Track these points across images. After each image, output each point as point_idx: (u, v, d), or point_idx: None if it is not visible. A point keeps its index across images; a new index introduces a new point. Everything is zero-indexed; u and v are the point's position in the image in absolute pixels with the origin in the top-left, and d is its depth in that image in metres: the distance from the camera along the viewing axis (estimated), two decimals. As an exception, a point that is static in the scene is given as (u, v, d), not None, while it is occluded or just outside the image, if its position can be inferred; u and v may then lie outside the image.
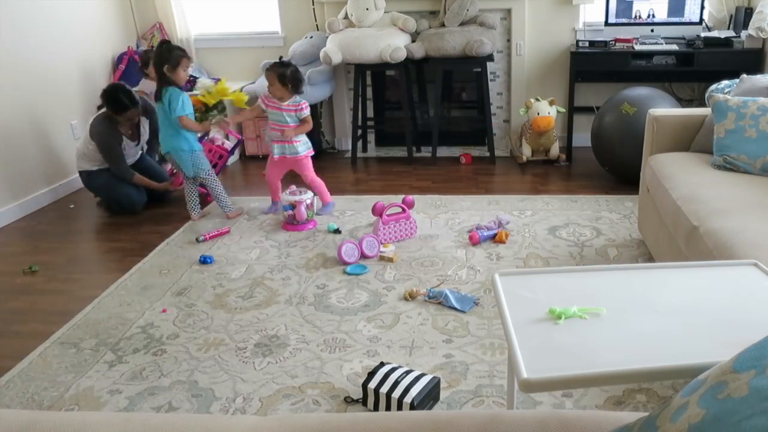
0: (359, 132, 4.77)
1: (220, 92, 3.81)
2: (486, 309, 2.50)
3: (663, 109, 2.98)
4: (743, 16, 4.09)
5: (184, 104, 3.37)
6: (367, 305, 2.58)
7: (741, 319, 1.20)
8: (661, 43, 4.14)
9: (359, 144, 4.80)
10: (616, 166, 3.91)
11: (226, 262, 3.05)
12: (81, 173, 3.87)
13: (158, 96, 3.39)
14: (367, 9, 4.39)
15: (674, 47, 4.08)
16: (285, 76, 3.42)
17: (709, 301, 1.27)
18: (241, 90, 3.97)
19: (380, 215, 3.17)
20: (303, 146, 3.57)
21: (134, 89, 3.89)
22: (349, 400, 1.98)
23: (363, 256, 2.98)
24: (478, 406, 1.94)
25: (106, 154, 3.72)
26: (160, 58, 3.33)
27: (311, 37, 4.71)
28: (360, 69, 4.49)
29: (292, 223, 3.39)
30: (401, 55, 4.28)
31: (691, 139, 2.81)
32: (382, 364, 2.00)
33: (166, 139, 3.49)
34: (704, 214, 2.09)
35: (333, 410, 1.95)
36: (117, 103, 3.66)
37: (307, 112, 3.53)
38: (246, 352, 2.29)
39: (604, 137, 3.86)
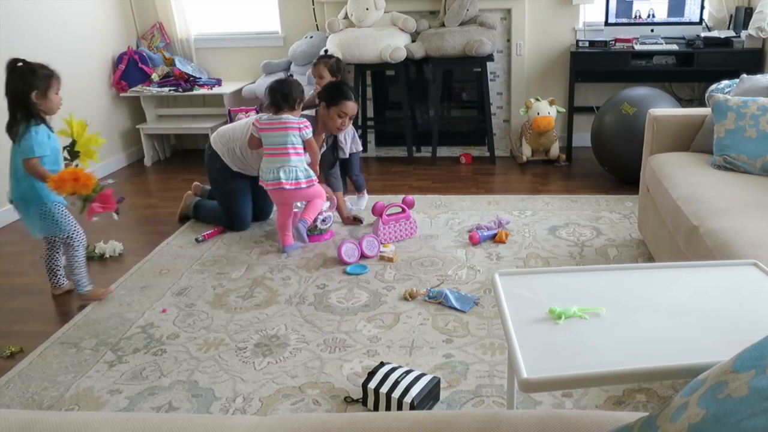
0: (359, 132, 4.76)
1: (77, 129, 2.68)
2: (486, 309, 2.50)
3: (663, 109, 2.98)
4: (743, 16, 4.09)
5: (37, 142, 2.50)
6: (367, 305, 2.58)
7: (741, 319, 1.20)
8: (661, 43, 4.14)
9: (359, 144, 4.80)
10: (616, 166, 3.91)
11: (226, 262, 3.05)
12: (211, 152, 3.36)
13: (10, 129, 2.56)
14: (367, 9, 4.40)
15: (674, 47, 4.08)
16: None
17: (709, 301, 1.27)
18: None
19: (380, 215, 3.17)
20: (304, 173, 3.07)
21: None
22: (349, 400, 1.98)
23: (363, 256, 2.98)
24: (478, 406, 1.94)
25: None
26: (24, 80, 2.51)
27: (311, 37, 4.72)
28: (360, 69, 4.49)
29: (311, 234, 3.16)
30: (401, 55, 4.28)
31: (691, 139, 2.81)
32: (382, 364, 2.00)
33: (14, 183, 2.61)
34: (704, 214, 2.09)
35: (333, 410, 1.95)
36: (342, 90, 3.17)
37: (309, 132, 3.06)
38: (246, 352, 2.28)
39: (604, 137, 3.86)
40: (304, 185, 3.00)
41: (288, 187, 2.93)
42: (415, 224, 3.26)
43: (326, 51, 3.69)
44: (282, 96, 3.00)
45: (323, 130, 3.28)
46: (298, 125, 2.98)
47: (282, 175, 2.93)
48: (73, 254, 2.70)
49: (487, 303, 2.54)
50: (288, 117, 2.98)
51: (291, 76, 3.71)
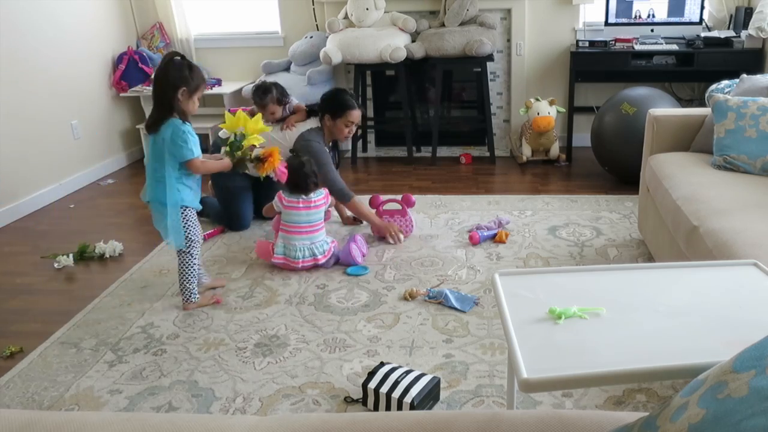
0: (359, 132, 4.77)
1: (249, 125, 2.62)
2: (486, 309, 2.50)
3: (663, 109, 2.98)
4: (743, 16, 4.09)
5: (194, 143, 2.42)
6: (367, 305, 2.58)
7: (741, 319, 1.20)
8: (661, 43, 4.14)
9: (359, 144, 4.80)
10: (616, 166, 3.91)
11: (226, 262, 3.05)
12: (213, 148, 3.42)
13: (153, 127, 2.42)
14: (367, 9, 4.40)
15: (674, 47, 4.08)
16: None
17: (709, 301, 1.27)
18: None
19: (376, 208, 3.17)
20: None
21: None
22: (349, 400, 1.98)
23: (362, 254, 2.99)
24: (478, 406, 1.94)
25: (320, 164, 3.08)
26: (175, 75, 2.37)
27: (311, 37, 4.72)
28: (360, 69, 4.49)
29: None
30: (401, 55, 4.28)
31: (691, 139, 2.81)
32: (382, 364, 2.00)
33: (151, 185, 2.50)
34: (704, 214, 2.09)
35: (333, 410, 1.95)
36: (345, 101, 3.18)
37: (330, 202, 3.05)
38: (246, 352, 2.28)
39: (604, 137, 3.86)
40: (333, 250, 2.94)
41: (322, 261, 2.90)
42: (412, 223, 3.23)
43: (262, 82, 3.49)
44: (305, 182, 2.90)
45: (329, 138, 3.28)
46: (324, 201, 2.95)
47: (316, 251, 2.89)
48: (189, 261, 2.57)
49: (487, 303, 2.54)
50: (314, 195, 2.92)
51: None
